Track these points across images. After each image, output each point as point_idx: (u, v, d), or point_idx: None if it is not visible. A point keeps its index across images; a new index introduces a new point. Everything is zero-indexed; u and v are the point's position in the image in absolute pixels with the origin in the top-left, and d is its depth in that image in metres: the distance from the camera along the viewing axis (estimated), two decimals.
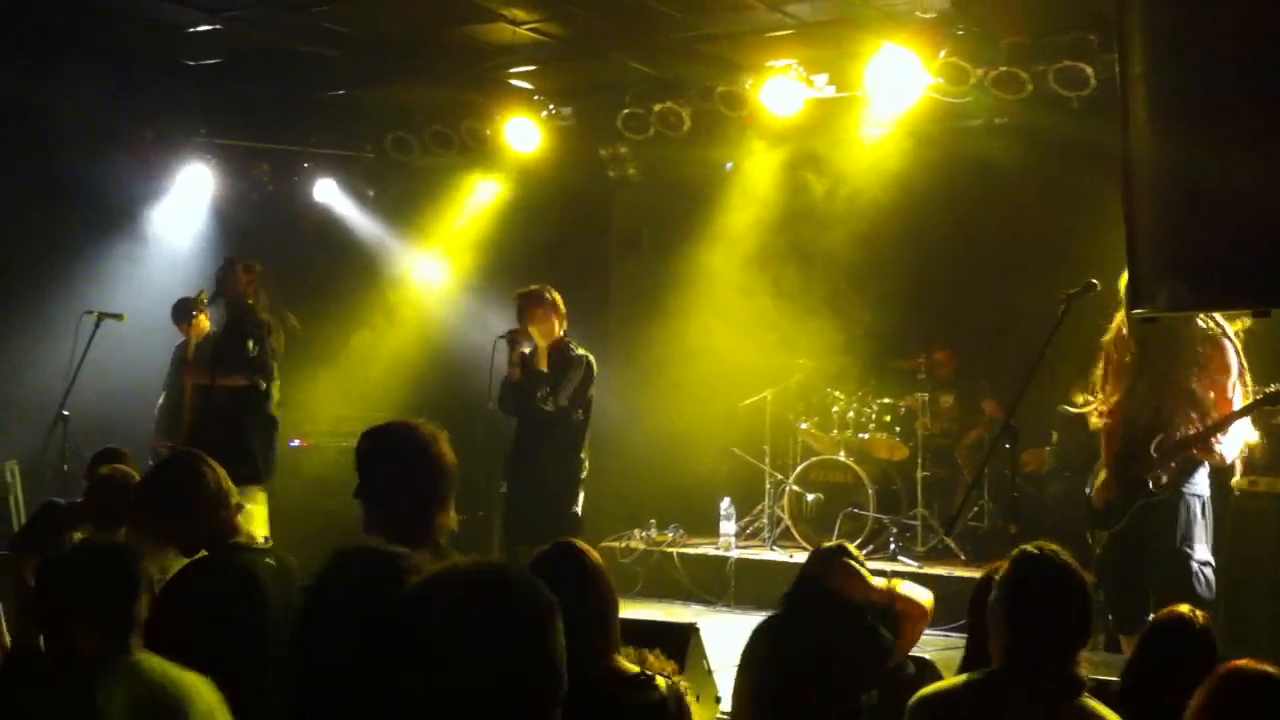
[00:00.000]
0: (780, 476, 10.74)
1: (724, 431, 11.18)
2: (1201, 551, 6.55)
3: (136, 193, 11.11)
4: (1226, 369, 6.44)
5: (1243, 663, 2.96)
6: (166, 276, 10.99)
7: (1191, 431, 6.51)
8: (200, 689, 3.46)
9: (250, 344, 8.31)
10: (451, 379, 11.50)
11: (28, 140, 9.95)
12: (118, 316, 9.06)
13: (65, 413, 8.63)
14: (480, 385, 8.37)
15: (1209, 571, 6.56)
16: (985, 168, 10.20)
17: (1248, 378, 6.53)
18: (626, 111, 10.45)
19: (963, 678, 3.51)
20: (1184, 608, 3.97)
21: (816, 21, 9.25)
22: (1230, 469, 7.02)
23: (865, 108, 10.05)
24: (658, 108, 10.32)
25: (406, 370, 11.62)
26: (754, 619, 9.71)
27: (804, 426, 10.86)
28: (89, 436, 9.58)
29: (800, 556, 10.11)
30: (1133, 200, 5.05)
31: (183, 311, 9.21)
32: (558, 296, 8.02)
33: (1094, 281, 6.16)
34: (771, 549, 10.55)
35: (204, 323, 9.13)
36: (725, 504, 10.75)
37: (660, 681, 3.49)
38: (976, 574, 9.47)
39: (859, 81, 9.44)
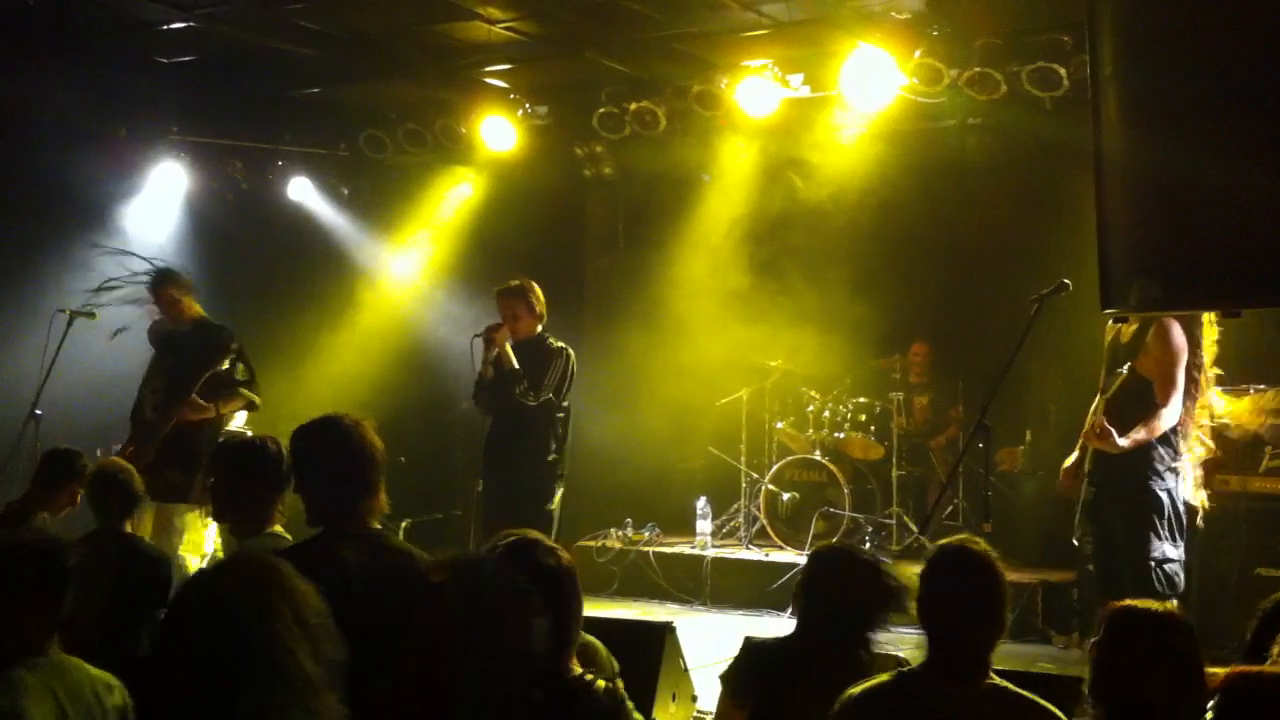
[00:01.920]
0: (756, 476, 10.76)
1: (700, 431, 11.20)
2: (1161, 548, 6.38)
3: (109, 190, 11.03)
4: (1173, 354, 6.38)
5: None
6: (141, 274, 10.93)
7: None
8: (116, 689, 3.41)
9: (241, 367, 8.13)
10: (427, 377, 11.50)
11: None
12: (90, 314, 8.99)
13: (38, 411, 8.57)
14: (456, 384, 8.36)
15: (1171, 568, 6.37)
16: (959, 168, 10.24)
17: (1204, 361, 6.43)
18: (602, 110, 10.45)
19: (886, 675, 3.57)
20: (1145, 602, 3.97)
21: (792, 21, 9.26)
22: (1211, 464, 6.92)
23: (840, 108, 10.07)
24: (633, 107, 10.33)
25: (382, 369, 11.60)
26: (729, 618, 9.77)
27: (780, 426, 10.88)
28: (61, 436, 9.53)
29: (777, 555, 10.14)
30: (1104, 200, 5.08)
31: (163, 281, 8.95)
32: (537, 292, 7.99)
33: (1066, 281, 6.19)
34: (747, 548, 10.56)
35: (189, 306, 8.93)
36: (701, 503, 10.76)
37: (600, 684, 3.45)
38: None
39: (834, 81, 9.46)
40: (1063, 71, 8.60)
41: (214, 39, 9.91)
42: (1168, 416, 6.34)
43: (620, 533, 10.87)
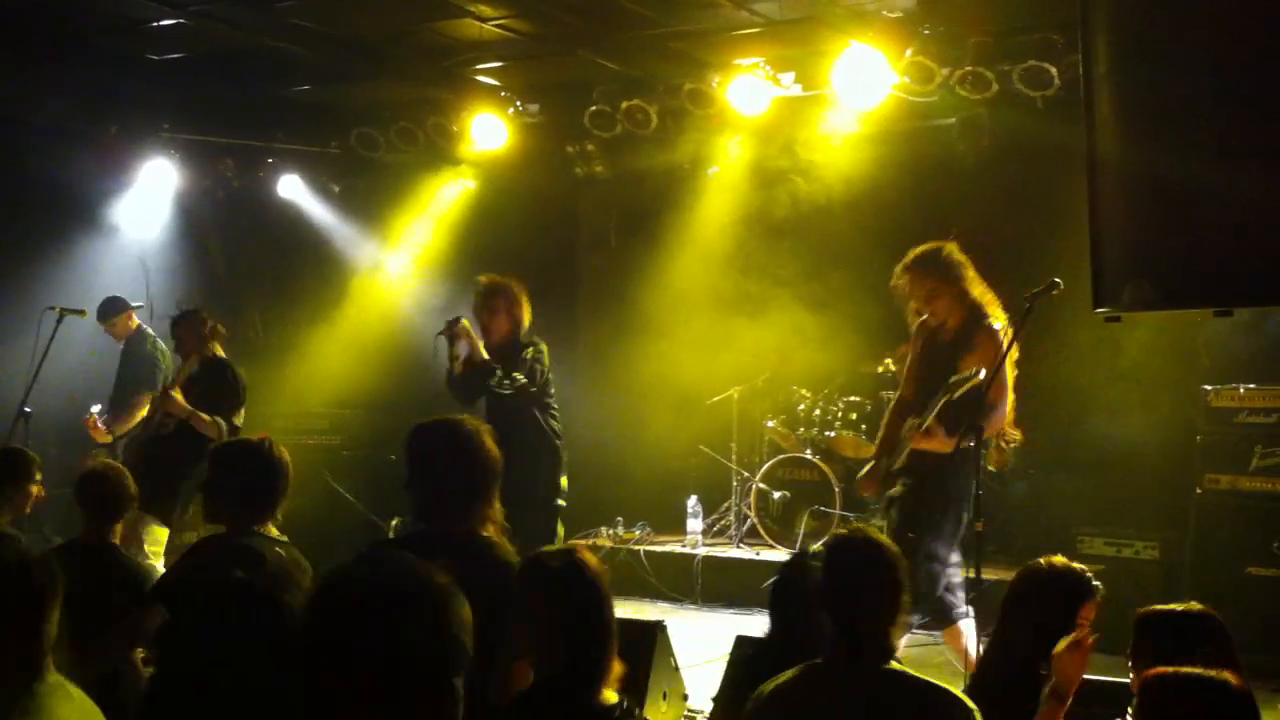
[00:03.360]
0: (747, 474, 10.75)
1: (691, 429, 11.18)
2: (934, 548, 6.38)
3: (100, 188, 11.02)
4: (996, 353, 6.35)
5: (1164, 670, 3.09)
6: (130, 272, 10.91)
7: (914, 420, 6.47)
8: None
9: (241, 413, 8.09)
10: (418, 375, 11.46)
11: None
12: (79, 312, 8.99)
13: (27, 409, 8.55)
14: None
15: (936, 569, 6.38)
16: (950, 167, 10.23)
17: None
18: (594, 109, 10.44)
19: (794, 670, 3.61)
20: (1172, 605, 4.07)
21: (784, 20, 9.25)
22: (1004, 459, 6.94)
23: (832, 106, 10.07)
24: (625, 105, 10.32)
25: (371, 366, 11.58)
26: (721, 616, 9.77)
27: (770, 424, 10.87)
28: (52, 433, 9.51)
29: (768, 554, 10.13)
30: (1096, 199, 5.10)
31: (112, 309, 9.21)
32: (515, 292, 7.94)
33: (1057, 281, 6.17)
34: (738, 547, 10.56)
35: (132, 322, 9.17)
36: (692, 502, 10.76)
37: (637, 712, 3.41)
38: None
39: (826, 80, 9.46)
40: (1054, 70, 8.61)
41: (205, 36, 9.87)
42: (998, 416, 6.42)
43: (611, 531, 10.87)
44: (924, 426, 6.32)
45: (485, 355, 7.74)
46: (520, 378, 7.71)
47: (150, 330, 9.35)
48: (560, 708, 3.34)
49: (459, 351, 7.81)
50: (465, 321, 7.84)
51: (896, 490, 6.57)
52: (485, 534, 3.98)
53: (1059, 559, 4.43)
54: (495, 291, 7.92)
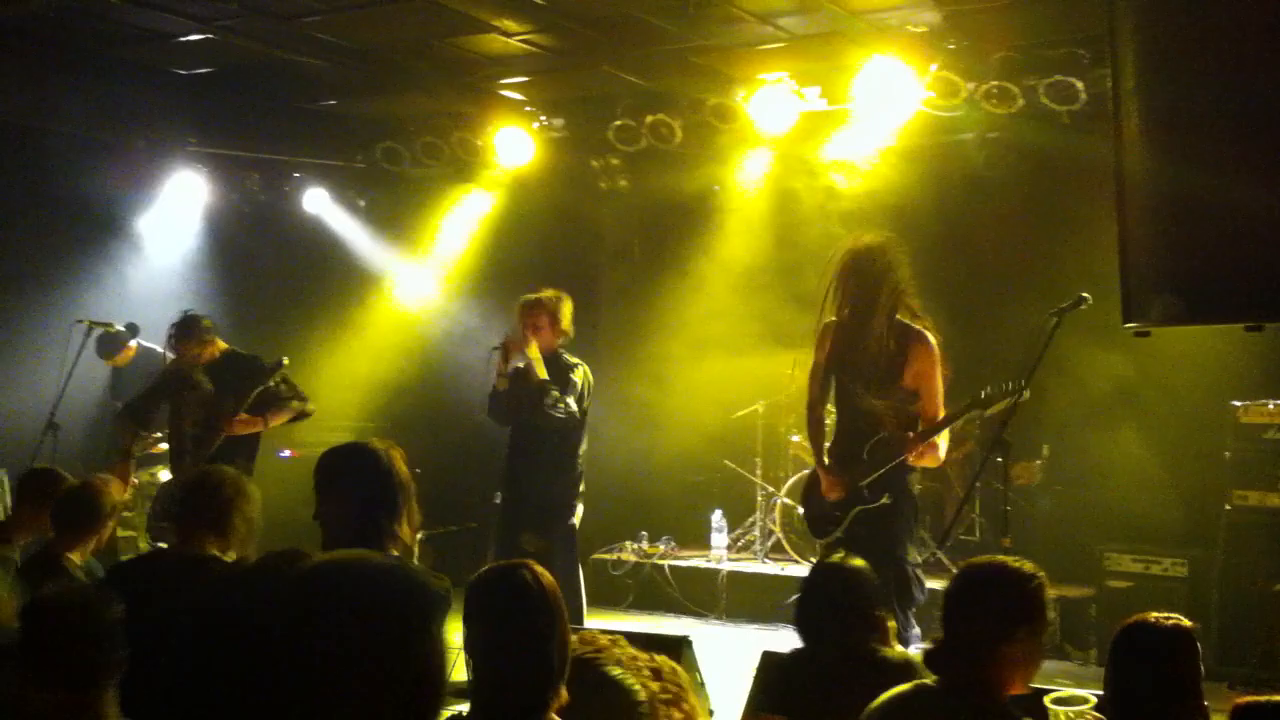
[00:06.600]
0: (772, 489, 10.72)
1: (716, 444, 11.16)
2: (914, 554, 6.59)
3: (126, 202, 11.07)
4: (934, 366, 6.48)
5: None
6: (156, 286, 10.96)
7: (903, 432, 6.48)
8: None
9: (284, 386, 8.08)
10: (442, 390, 11.49)
11: (17, 150, 9.93)
12: (108, 326, 9.07)
13: (56, 421, 8.60)
14: (470, 397, 8.32)
15: (920, 574, 6.57)
16: (976, 182, 10.20)
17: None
18: (618, 123, 10.46)
19: (906, 686, 3.50)
20: (1151, 614, 3.95)
21: (807, 35, 9.24)
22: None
23: (856, 121, 10.05)
24: (649, 120, 10.34)
25: (396, 381, 11.60)
26: (745, 631, 9.75)
27: (795, 439, 10.83)
28: (79, 445, 9.56)
29: (792, 569, 10.10)
30: (1125, 214, 5.07)
31: (111, 345, 9.27)
32: (565, 308, 7.81)
33: (1085, 295, 6.14)
34: (763, 561, 10.53)
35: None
36: (717, 516, 10.73)
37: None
38: None
39: (850, 95, 9.45)
40: (1080, 85, 8.58)
41: (231, 51, 9.93)
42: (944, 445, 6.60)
43: (635, 546, 10.85)
44: (914, 444, 6.37)
45: (544, 375, 7.63)
46: (573, 404, 7.64)
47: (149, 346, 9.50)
48: None
49: (507, 369, 7.73)
50: (532, 340, 7.71)
51: (878, 505, 6.54)
52: (395, 554, 3.93)
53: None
54: (539, 306, 7.81)
